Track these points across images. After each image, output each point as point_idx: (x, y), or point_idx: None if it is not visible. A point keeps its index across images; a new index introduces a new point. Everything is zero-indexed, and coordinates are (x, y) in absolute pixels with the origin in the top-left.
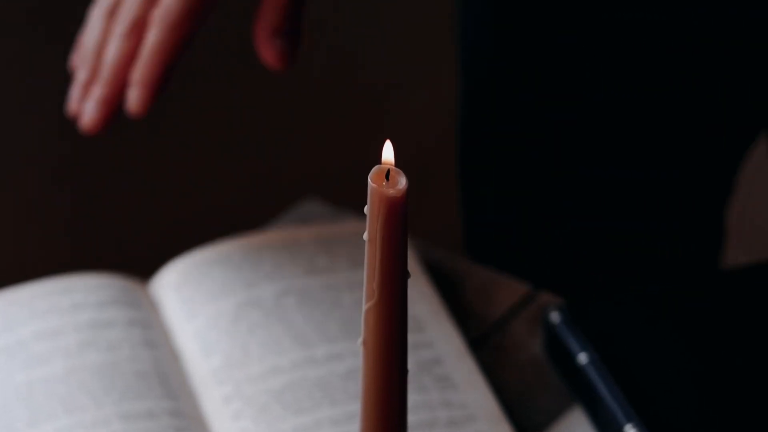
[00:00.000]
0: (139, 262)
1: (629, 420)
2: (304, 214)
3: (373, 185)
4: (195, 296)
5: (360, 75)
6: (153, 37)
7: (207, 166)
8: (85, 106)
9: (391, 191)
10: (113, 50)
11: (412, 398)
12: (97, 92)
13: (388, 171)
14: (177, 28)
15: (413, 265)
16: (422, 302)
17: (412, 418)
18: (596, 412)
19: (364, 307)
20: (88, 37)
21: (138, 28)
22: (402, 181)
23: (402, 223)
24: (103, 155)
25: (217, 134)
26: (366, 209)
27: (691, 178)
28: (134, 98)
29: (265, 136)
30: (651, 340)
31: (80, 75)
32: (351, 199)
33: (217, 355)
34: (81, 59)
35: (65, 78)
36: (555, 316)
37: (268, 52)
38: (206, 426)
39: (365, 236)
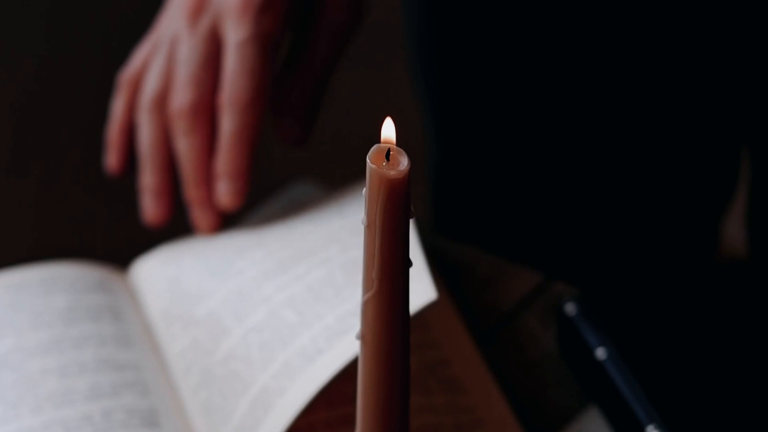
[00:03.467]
0: (120, 250)
1: (651, 420)
2: (296, 196)
3: (373, 166)
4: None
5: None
6: (229, 125)
7: None
8: (194, 213)
9: (392, 172)
10: (185, 150)
11: (415, 400)
12: (194, 195)
13: (389, 150)
14: (251, 108)
15: (416, 252)
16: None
17: (414, 422)
18: (615, 411)
19: (363, 298)
20: (143, 139)
21: (202, 116)
22: (404, 162)
23: (404, 206)
24: (81, 140)
25: None
26: (364, 192)
27: (688, 181)
28: (227, 192)
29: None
30: (675, 335)
31: (148, 180)
32: (346, 181)
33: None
34: (143, 162)
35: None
36: (570, 308)
37: (289, 132)
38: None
39: (363, 221)
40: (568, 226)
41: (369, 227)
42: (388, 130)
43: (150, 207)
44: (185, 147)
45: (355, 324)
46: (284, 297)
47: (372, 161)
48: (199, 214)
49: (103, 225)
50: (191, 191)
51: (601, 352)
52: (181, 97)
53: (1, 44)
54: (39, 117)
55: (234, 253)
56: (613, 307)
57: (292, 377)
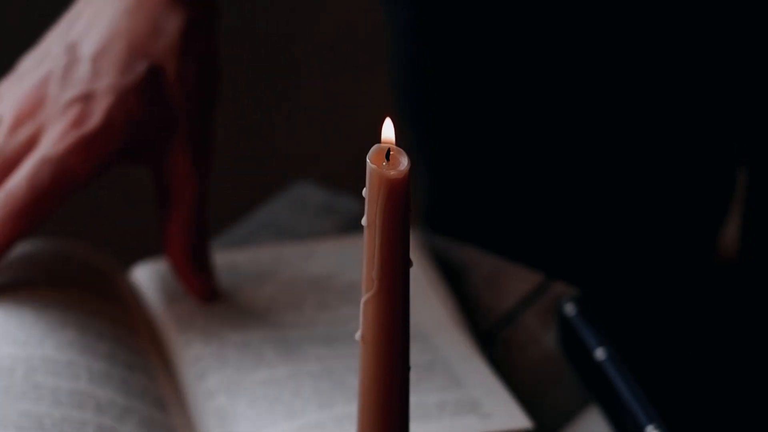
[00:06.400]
0: (125, 247)
1: (651, 420)
2: (298, 197)
3: (373, 166)
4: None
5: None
6: None
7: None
8: None
9: (392, 172)
10: None
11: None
12: None
13: (389, 150)
14: (18, 217)
15: (416, 252)
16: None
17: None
18: (615, 411)
19: (363, 298)
20: None
21: None
22: (404, 162)
23: (404, 206)
24: None
25: None
26: (364, 192)
27: (687, 182)
28: None
29: (258, 117)
30: (674, 335)
31: None
32: (347, 182)
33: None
34: None
35: None
36: (570, 308)
37: (199, 286)
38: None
39: (364, 221)
40: (568, 227)
41: (369, 227)
42: (388, 130)
43: None
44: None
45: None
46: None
47: (372, 161)
48: None
49: (104, 225)
50: None
51: (601, 352)
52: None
53: (1, 44)
54: None
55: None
56: (613, 307)
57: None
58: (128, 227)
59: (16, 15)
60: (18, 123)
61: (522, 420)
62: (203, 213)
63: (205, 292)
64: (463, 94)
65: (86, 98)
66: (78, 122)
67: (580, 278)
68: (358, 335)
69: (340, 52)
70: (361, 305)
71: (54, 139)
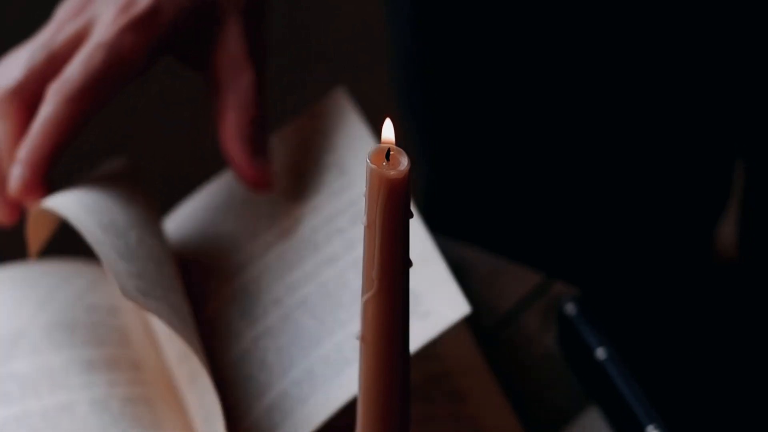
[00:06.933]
0: None
1: (651, 420)
2: None
3: (373, 166)
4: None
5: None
6: (45, 112)
7: (188, 145)
8: None
9: (392, 172)
10: None
11: (419, 409)
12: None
13: (389, 150)
14: (73, 101)
15: (436, 260)
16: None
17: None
18: (615, 411)
19: (363, 298)
20: None
21: (19, 102)
22: (404, 162)
23: (404, 206)
24: (81, 139)
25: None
26: (364, 192)
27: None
28: (15, 178)
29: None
30: (674, 335)
31: None
32: None
33: None
34: None
35: None
36: (570, 308)
37: (253, 172)
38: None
39: (364, 221)
40: (567, 227)
41: (369, 227)
42: (388, 130)
43: None
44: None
45: None
46: (297, 300)
47: (372, 161)
48: None
49: None
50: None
51: (601, 352)
52: (7, 76)
53: (1, 43)
54: None
55: (230, 245)
56: (613, 307)
57: (315, 386)
58: None
59: (16, 15)
60: (65, 21)
61: (461, 306)
62: (260, 102)
63: (262, 179)
64: (463, 92)
65: None
66: (126, 7)
67: (580, 278)
68: (357, 336)
69: (340, 52)
70: (361, 305)
71: (105, 25)
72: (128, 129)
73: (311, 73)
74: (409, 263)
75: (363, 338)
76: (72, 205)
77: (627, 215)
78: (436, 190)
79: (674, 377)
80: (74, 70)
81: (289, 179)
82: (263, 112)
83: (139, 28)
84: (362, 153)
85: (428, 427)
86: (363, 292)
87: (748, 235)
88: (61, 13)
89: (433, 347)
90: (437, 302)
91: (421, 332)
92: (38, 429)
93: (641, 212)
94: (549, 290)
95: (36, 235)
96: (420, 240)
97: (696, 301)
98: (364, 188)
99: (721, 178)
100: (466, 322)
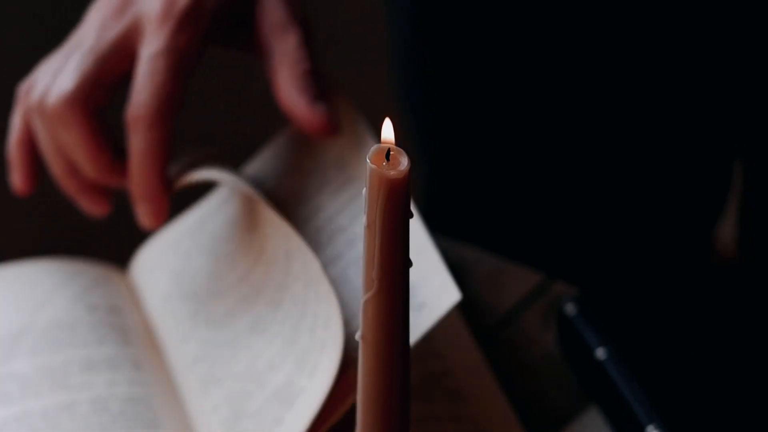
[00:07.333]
0: (120, 250)
1: (651, 420)
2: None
3: (373, 166)
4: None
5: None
6: (134, 145)
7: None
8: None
9: (392, 172)
10: (63, 144)
11: (419, 409)
12: (68, 185)
13: (389, 150)
14: (154, 127)
15: (428, 250)
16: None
17: (417, 430)
18: (615, 412)
19: (363, 298)
20: (41, 143)
21: (80, 108)
22: (404, 162)
23: (404, 206)
24: None
25: (196, 113)
26: (364, 192)
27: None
28: (145, 215)
29: (257, 117)
30: (674, 334)
31: (65, 184)
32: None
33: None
34: (49, 167)
35: None
36: (570, 308)
37: (315, 118)
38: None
39: (364, 221)
40: (567, 227)
41: (369, 227)
42: (388, 130)
43: (85, 205)
44: (64, 141)
45: None
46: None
47: (372, 161)
48: (84, 200)
49: (103, 225)
50: (63, 181)
51: (601, 352)
52: (62, 85)
53: (2, 43)
54: None
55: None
56: (613, 307)
57: (315, 376)
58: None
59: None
60: (105, 23)
61: (453, 294)
62: (311, 56)
63: (324, 124)
64: (463, 92)
65: None
66: (170, 5)
67: (580, 278)
68: (358, 335)
69: (340, 52)
70: (361, 305)
71: (154, 28)
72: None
73: None
74: (409, 263)
75: (363, 338)
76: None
77: (627, 215)
78: (436, 190)
79: (674, 377)
80: (145, 93)
81: (294, 180)
82: (315, 65)
83: (187, 24)
84: (362, 150)
85: (428, 426)
86: (363, 292)
87: (747, 235)
88: (97, 14)
89: (432, 343)
90: (430, 293)
91: (417, 325)
92: (38, 429)
93: (641, 212)
94: (549, 290)
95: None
96: (413, 231)
97: (696, 301)
98: (364, 187)
99: (720, 178)
100: (466, 322)
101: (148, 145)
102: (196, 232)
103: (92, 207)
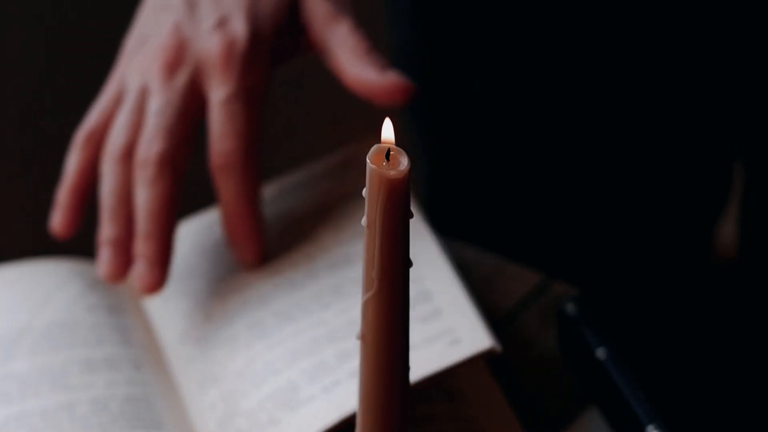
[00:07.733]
0: None
1: (651, 420)
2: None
3: (373, 166)
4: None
5: None
6: (227, 192)
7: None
8: (138, 270)
9: (393, 172)
10: (143, 200)
11: (417, 409)
12: (142, 249)
13: (389, 150)
14: (244, 171)
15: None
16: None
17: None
18: (615, 412)
19: (363, 298)
20: (106, 189)
21: (168, 168)
22: (404, 162)
23: (404, 206)
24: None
25: None
26: (364, 192)
27: (685, 183)
28: (247, 255)
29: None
30: (674, 334)
31: (108, 232)
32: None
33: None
34: (104, 214)
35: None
36: (570, 308)
37: (389, 84)
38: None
39: (364, 221)
40: (567, 227)
41: (369, 227)
42: (388, 130)
43: (108, 260)
44: (144, 197)
45: None
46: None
47: (372, 161)
48: (143, 271)
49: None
50: (140, 245)
51: (601, 352)
52: (150, 146)
53: (2, 44)
54: (39, 116)
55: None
56: (613, 307)
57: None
58: None
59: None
60: (168, 73)
61: (486, 340)
62: (365, 37)
63: (401, 88)
64: (463, 92)
65: (222, 22)
66: (230, 46)
67: (580, 278)
68: (358, 335)
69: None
70: (361, 305)
71: (221, 74)
72: None
73: (311, 72)
74: (409, 263)
75: (363, 338)
76: None
77: (627, 215)
78: (437, 190)
79: (674, 377)
80: (229, 140)
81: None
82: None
83: (252, 63)
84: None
85: (428, 426)
86: (363, 292)
87: (747, 235)
88: (149, 57)
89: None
90: (469, 333)
91: (445, 355)
92: (38, 429)
93: (641, 212)
94: (549, 290)
95: None
96: (441, 268)
97: (696, 301)
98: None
99: (720, 178)
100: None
101: (243, 190)
102: (199, 234)
103: (118, 263)
